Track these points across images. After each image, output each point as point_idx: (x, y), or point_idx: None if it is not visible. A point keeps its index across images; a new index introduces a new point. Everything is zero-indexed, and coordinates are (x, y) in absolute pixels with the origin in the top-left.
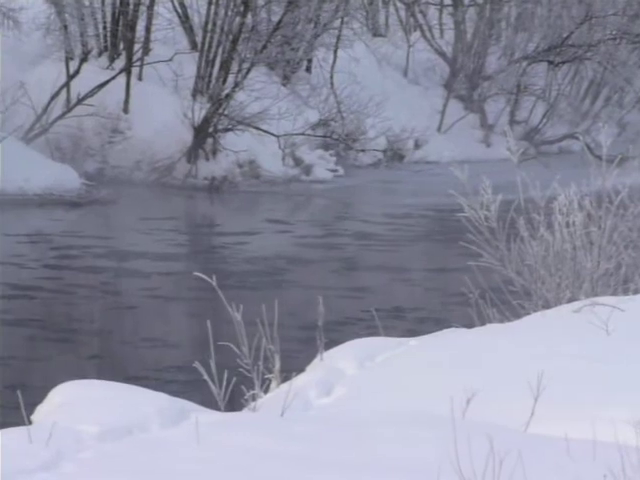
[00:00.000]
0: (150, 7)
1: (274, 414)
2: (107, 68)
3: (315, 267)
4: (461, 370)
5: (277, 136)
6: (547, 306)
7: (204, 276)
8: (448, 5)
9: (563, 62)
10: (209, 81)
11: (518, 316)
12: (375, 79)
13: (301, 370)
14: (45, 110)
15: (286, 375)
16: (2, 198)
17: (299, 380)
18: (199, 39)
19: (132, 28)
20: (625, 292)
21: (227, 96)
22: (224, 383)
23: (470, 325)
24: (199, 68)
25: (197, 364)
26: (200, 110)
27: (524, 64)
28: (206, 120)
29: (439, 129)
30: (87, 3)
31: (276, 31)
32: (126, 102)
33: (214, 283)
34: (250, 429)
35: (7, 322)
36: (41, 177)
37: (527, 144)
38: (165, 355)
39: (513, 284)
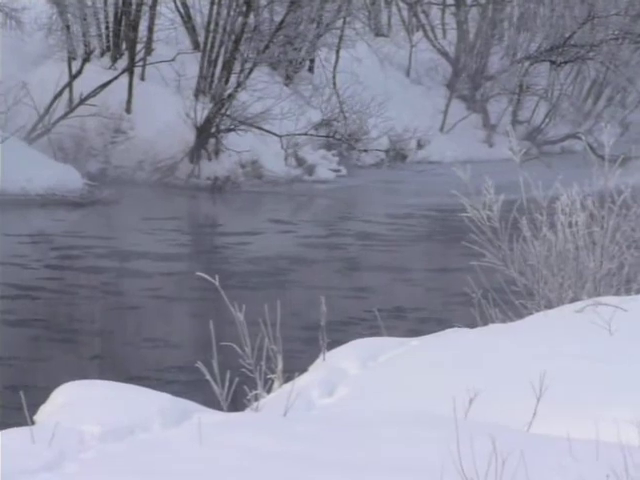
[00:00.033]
0: (152, 7)
1: (277, 414)
2: (109, 68)
3: (317, 267)
4: (463, 370)
5: (280, 136)
6: (550, 306)
7: (207, 276)
8: (450, 5)
9: (565, 62)
10: (211, 81)
11: (520, 316)
12: (377, 79)
13: (304, 370)
14: (47, 110)
15: (289, 375)
16: (4, 198)
17: (302, 380)
18: (201, 39)
19: (134, 28)
20: (628, 292)
21: (229, 96)
22: (227, 383)
23: (472, 325)
24: (201, 68)
25: (199, 364)
26: (202, 110)
27: (526, 64)
28: (208, 120)
29: (441, 129)
30: (89, 3)
31: (278, 31)
32: (128, 102)
33: (217, 283)
34: (253, 429)
35: (9, 322)
36: (43, 177)
37: (529, 144)
38: (167, 355)
39: (515, 284)
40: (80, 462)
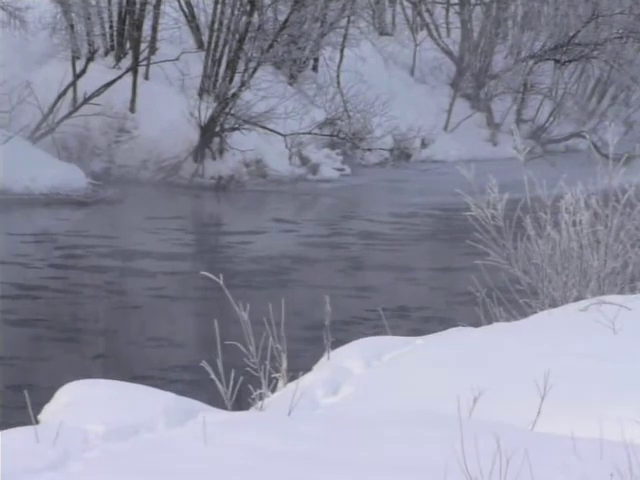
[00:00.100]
0: (157, 6)
1: (281, 413)
2: (113, 67)
3: (321, 266)
4: (467, 369)
5: (284, 135)
6: (554, 305)
7: (211, 275)
8: (455, 4)
9: (570, 61)
10: (216, 80)
11: (525, 315)
12: (382, 78)
13: (308, 369)
14: (51, 109)
15: (293, 374)
16: (9, 197)
17: (306, 379)
18: (205, 38)
19: (139, 27)
20: (632, 291)
21: (234, 95)
22: (231, 382)
23: (477, 324)
24: (205, 67)
25: (204, 363)
26: (207, 109)
27: (531, 63)
28: (213, 119)
29: (446, 128)
30: (93, 2)
31: (282, 30)
32: (132, 101)
33: (221, 282)
34: (257, 428)
35: (13, 322)
36: (47, 176)
37: (534, 143)
38: (171, 354)
39: (520, 283)
40: (84, 461)
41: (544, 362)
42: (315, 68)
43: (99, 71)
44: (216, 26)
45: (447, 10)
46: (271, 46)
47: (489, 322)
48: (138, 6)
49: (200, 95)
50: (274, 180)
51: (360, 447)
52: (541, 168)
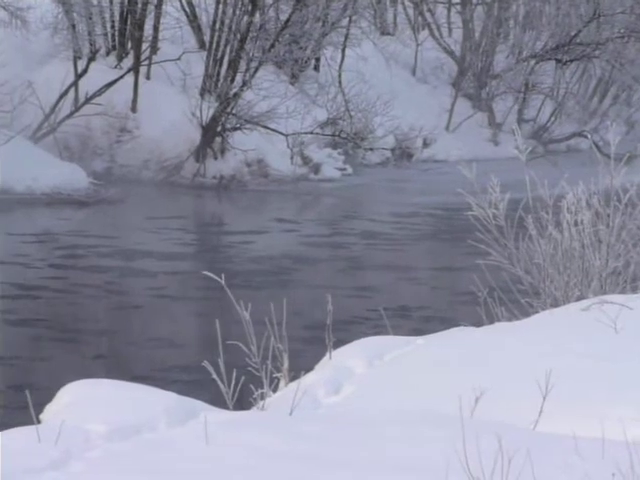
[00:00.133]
0: (158, 6)
1: (283, 413)
2: (115, 67)
3: (323, 266)
4: (469, 369)
5: (285, 135)
6: (555, 304)
7: (213, 275)
8: (456, 4)
9: (571, 60)
10: (217, 80)
11: (527, 314)
12: (383, 78)
13: (309, 369)
14: (53, 109)
15: (294, 374)
16: (10, 197)
17: (308, 379)
18: (207, 38)
19: (140, 27)
20: (634, 290)
21: (235, 95)
22: (232, 382)
23: (478, 324)
24: (207, 67)
25: (206, 363)
26: (208, 109)
27: (532, 62)
28: (214, 119)
29: (447, 128)
30: (95, 2)
31: (284, 30)
32: (134, 101)
33: (223, 282)
34: (259, 428)
35: (14, 322)
36: (49, 176)
37: (535, 142)
38: (173, 354)
39: (521, 283)
40: (86, 461)
41: (546, 362)
42: (317, 68)
43: (101, 71)
44: (218, 26)
45: (449, 10)
46: (273, 46)
47: (491, 322)
48: (140, 6)
49: (202, 95)
50: (276, 180)
51: (362, 447)
52: (543, 168)
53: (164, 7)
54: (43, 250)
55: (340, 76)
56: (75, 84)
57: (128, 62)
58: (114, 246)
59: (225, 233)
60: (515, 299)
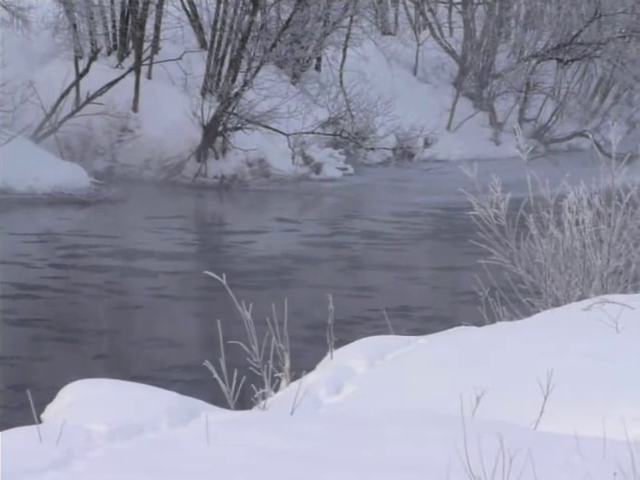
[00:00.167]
0: (159, 5)
1: (284, 413)
2: (116, 67)
3: (324, 266)
4: (471, 368)
5: (287, 135)
6: (557, 304)
7: (214, 275)
8: (457, 3)
9: (572, 60)
10: (218, 80)
11: (528, 314)
12: (384, 77)
13: (311, 369)
14: (54, 109)
15: (296, 374)
16: (12, 197)
17: (309, 379)
18: (208, 38)
19: (141, 27)
20: (635, 290)
21: (236, 95)
22: (234, 382)
23: (480, 323)
24: (208, 67)
25: (207, 363)
26: (209, 109)
27: (533, 62)
28: (215, 119)
29: (448, 127)
30: (96, 2)
31: (285, 29)
32: (135, 101)
33: (224, 282)
34: (260, 428)
35: (14, 321)
36: (50, 176)
37: (536, 142)
38: (174, 354)
39: (523, 282)
40: (88, 461)
41: (547, 361)
42: (318, 67)
43: (102, 70)
44: (219, 25)
45: (450, 9)
46: (274, 45)
47: (492, 321)
48: (141, 5)
49: (203, 94)
50: (277, 179)
51: (363, 446)
52: (544, 167)
53: (165, 6)
54: (44, 250)
55: (341, 76)
56: (76, 84)
57: (129, 62)
58: (115, 246)
59: (226, 233)
60: (516, 299)
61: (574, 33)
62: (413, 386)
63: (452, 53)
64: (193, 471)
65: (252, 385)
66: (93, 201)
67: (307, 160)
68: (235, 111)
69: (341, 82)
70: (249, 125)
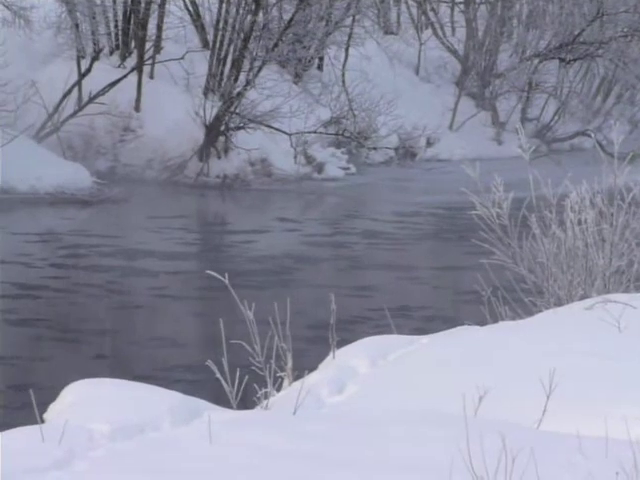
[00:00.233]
0: (161, 5)
1: (286, 412)
2: (118, 66)
3: (326, 265)
4: (473, 368)
5: (289, 134)
6: (559, 303)
7: (217, 275)
8: (459, 3)
9: (574, 59)
10: (221, 79)
11: (530, 313)
12: (387, 77)
13: (313, 368)
14: (56, 109)
15: (298, 373)
16: (14, 197)
17: (311, 378)
18: (210, 37)
19: (143, 26)
20: (637, 289)
21: (239, 94)
22: (236, 381)
23: (482, 323)
24: (210, 66)
25: (209, 362)
26: (212, 108)
27: (535, 62)
28: (218, 118)
29: (451, 127)
30: (98, 1)
31: (287, 29)
32: (137, 100)
33: (227, 282)
34: (262, 427)
35: (16, 321)
36: (52, 176)
37: (539, 142)
38: (176, 354)
39: (525, 282)
40: (90, 460)
41: (549, 361)
42: (320, 67)
43: (104, 70)
44: (221, 25)
45: (452, 9)
46: (276, 45)
47: (494, 321)
48: (143, 5)
49: (205, 94)
50: (279, 179)
51: (365, 446)
52: (546, 167)
53: (167, 6)
54: (46, 249)
55: (343, 75)
56: (78, 83)
57: (131, 61)
58: (117, 245)
59: (228, 232)
60: (519, 298)
61: (576, 32)
62: (415, 386)
63: (454, 53)
64: (195, 471)
65: (254, 385)
66: (95, 201)
67: (309, 160)
68: (237, 111)
69: (343, 82)
70: (251, 125)
